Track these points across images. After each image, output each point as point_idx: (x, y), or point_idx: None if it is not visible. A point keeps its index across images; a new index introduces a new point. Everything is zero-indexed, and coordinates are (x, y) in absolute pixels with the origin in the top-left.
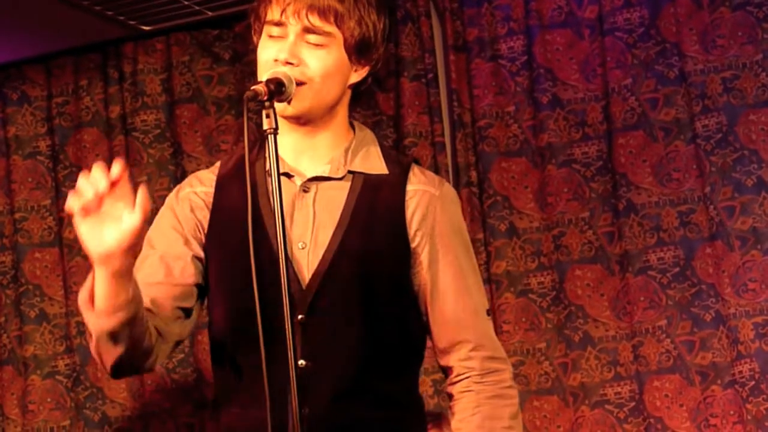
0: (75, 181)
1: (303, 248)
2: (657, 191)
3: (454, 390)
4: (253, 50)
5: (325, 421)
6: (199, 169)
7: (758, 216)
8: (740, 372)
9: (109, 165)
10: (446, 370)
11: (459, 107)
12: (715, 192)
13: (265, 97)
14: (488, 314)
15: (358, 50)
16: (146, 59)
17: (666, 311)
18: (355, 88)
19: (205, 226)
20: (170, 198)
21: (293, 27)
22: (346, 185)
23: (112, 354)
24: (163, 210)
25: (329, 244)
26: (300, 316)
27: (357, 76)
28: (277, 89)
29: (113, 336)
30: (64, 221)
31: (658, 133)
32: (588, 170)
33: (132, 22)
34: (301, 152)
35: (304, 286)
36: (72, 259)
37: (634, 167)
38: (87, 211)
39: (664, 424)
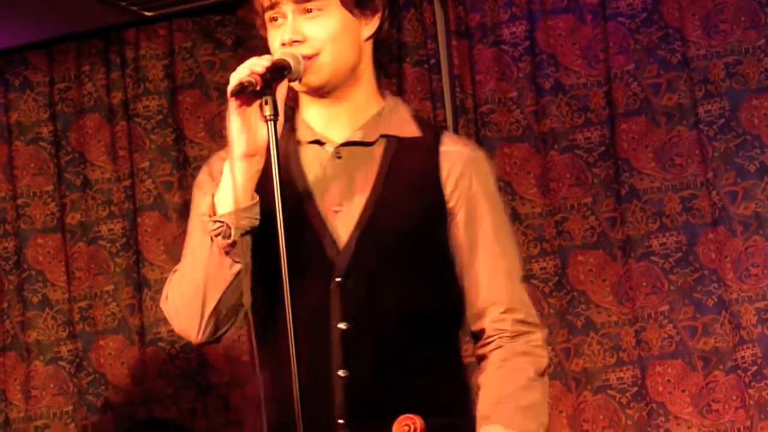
0: (77, 167)
1: (338, 212)
2: (659, 177)
3: (484, 351)
4: (257, 36)
5: (366, 384)
6: (201, 155)
7: (761, 201)
8: (742, 357)
9: (111, 151)
10: (478, 335)
11: (461, 93)
12: (717, 177)
13: (258, 87)
14: (523, 280)
15: (357, 3)
16: (148, 45)
17: (668, 297)
18: (375, 40)
19: None
20: (203, 177)
21: (287, 6)
22: (379, 149)
23: (220, 284)
24: (197, 192)
25: (364, 206)
26: (338, 279)
27: (369, 28)
28: (276, 74)
29: (238, 247)
30: (66, 207)
31: (660, 119)
32: (590, 156)
33: (134, 8)
34: (330, 119)
35: (340, 249)
36: (74, 245)
37: (636, 153)
38: (244, 102)
39: (666, 410)
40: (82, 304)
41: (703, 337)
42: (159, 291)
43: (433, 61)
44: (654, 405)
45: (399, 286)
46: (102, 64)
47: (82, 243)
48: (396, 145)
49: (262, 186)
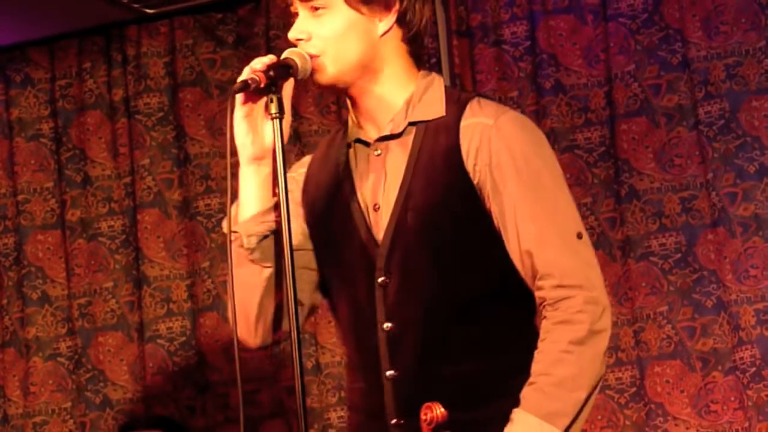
0: (77, 163)
1: (378, 209)
2: (659, 177)
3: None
4: (258, 34)
5: (414, 382)
6: (202, 152)
7: (760, 202)
8: (741, 358)
9: (112, 148)
10: None
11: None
12: (717, 178)
13: (262, 85)
14: (564, 238)
15: (363, 1)
16: (150, 42)
17: (667, 297)
18: (403, 33)
19: (300, 202)
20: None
21: (298, 4)
22: (409, 138)
23: (255, 291)
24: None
25: (395, 201)
26: (380, 279)
27: (384, 24)
28: (281, 72)
29: (262, 253)
30: (66, 203)
31: (660, 119)
32: (590, 156)
33: (136, 5)
34: (364, 116)
35: (379, 247)
36: (74, 242)
37: (636, 153)
38: (248, 101)
39: (664, 410)
40: (82, 300)
41: (702, 337)
42: (158, 288)
43: (434, 60)
44: (652, 405)
45: (438, 277)
46: (103, 61)
47: (82, 240)
48: (423, 131)
49: (317, 187)
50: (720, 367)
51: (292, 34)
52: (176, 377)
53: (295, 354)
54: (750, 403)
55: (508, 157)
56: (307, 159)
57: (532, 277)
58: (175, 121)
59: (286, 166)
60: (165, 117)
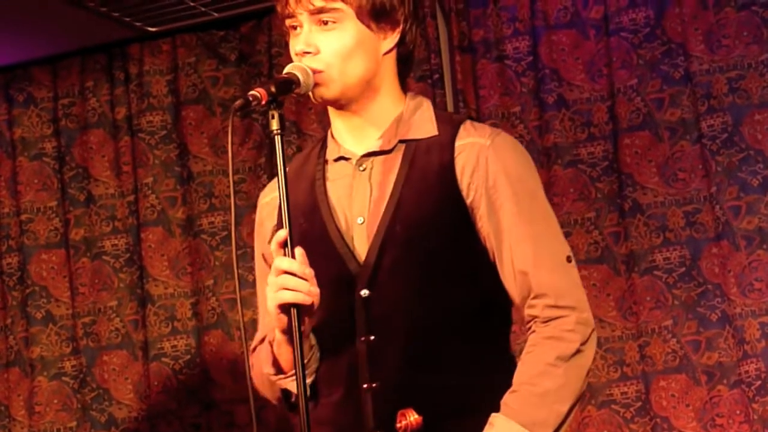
0: (81, 182)
1: (362, 223)
2: (663, 191)
3: (526, 338)
4: (260, 52)
5: (395, 393)
6: (205, 170)
7: (764, 216)
8: (746, 372)
9: (115, 166)
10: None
11: (465, 108)
12: (720, 192)
13: (264, 101)
14: (558, 260)
15: (374, 17)
16: (152, 60)
17: (672, 311)
18: (398, 53)
19: (275, 227)
20: (256, 227)
21: (303, 15)
22: (398, 155)
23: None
24: (255, 239)
25: (383, 215)
26: (363, 292)
27: (388, 42)
28: (283, 88)
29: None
30: (70, 222)
31: (663, 133)
32: (594, 170)
33: (138, 24)
34: (352, 132)
35: (362, 262)
36: (78, 260)
37: (639, 167)
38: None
39: (670, 424)
40: (86, 319)
41: (707, 351)
42: (162, 306)
43: (436, 76)
44: (658, 420)
45: (423, 293)
46: (106, 79)
47: (86, 258)
48: (414, 149)
49: (294, 208)
50: (725, 381)
51: (299, 47)
52: (181, 395)
53: (297, 354)
54: (756, 417)
55: (505, 178)
56: (274, 181)
57: (524, 296)
58: (178, 139)
59: (288, 185)
60: (168, 135)
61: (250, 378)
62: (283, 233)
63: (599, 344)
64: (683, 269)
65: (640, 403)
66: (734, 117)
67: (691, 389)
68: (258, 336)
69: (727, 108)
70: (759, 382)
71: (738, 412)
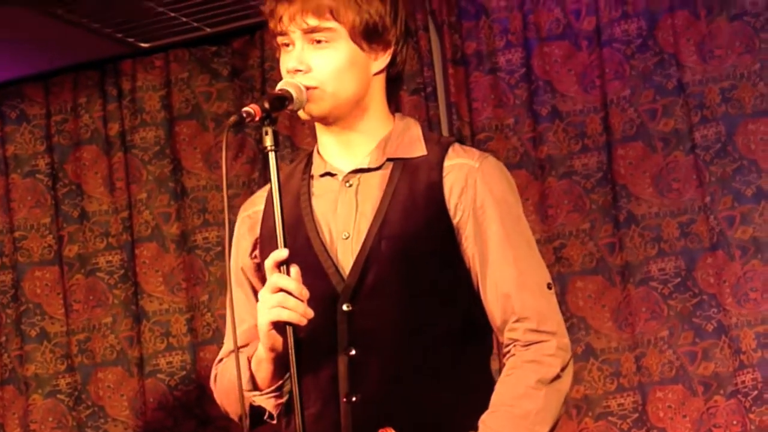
0: (74, 199)
1: (347, 239)
2: (657, 202)
3: (504, 361)
4: (253, 67)
5: (376, 406)
6: (199, 185)
7: (758, 225)
8: (743, 382)
9: (109, 182)
10: (502, 346)
11: (458, 120)
12: (715, 202)
13: (258, 117)
14: (540, 285)
15: (366, 38)
16: (145, 76)
17: (668, 322)
18: (388, 73)
19: (257, 241)
20: (234, 240)
21: (295, 33)
22: (386, 173)
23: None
24: (232, 252)
25: (368, 231)
26: (345, 306)
27: (380, 63)
28: (277, 104)
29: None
30: (64, 239)
31: (657, 144)
32: (588, 182)
33: (130, 39)
34: (340, 149)
35: (345, 276)
36: (72, 277)
37: (633, 178)
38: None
39: None
40: (81, 336)
41: (704, 362)
42: (157, 322)
43: (429, 89)
44: (655, 431)
45: (406, 309)
46: (98, 95)
47: (80, 275)
48: (402, 167)
49: (273, 224)
50: (722, 391)
51: (291, 65)
52: (177, 411)
53: (293, 371)
54: (753, 427)
55: (492, 202)
56: (260, 195)
57: (505, 318)
58: (172, 154)
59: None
60: (161, 151)
61: (241, 394)
62: (283, 253)
63: (596, 355)
64: (678, 280)
65: (636, 415)
66: (727, 127)
67: (687, 400)
68: (227, 347)
69: (721, 118)
70: (755, 392)
71: (735, 422)
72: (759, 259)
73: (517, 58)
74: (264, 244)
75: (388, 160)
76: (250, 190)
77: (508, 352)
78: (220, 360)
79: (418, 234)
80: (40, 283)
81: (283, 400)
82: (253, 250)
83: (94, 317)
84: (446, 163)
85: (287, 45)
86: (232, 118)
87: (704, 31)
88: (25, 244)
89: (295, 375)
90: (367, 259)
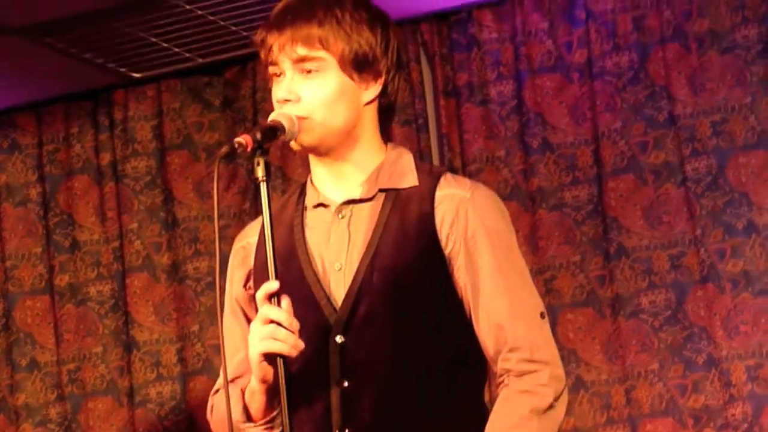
0: (65, 228)
1: (339, 270)
2: (648, 234)
3: (497, 392)
4: (245, 97)
5: None
6: (190, 216)
7: (749, 259)
8: (733, 415)
9: (100, 212)
10: (496, 376)
11: (449, 152)
12: (705, 235)
13: (249, 148)
14: (533, 315)
15: (356, 67)
16: (137, 106)
17: (658, 354)
18: (379, 104)
19: (251, 272)
20: (228, 269)
21: (285, 63)
22: (378, 204)
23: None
24: (227, 279)
25: (360, 262)
26: (338, 338)
27: (370, 93)
28: (269, 135)
29: None
30: (55, 268)
31: (648, 177)
32: (579, 214)
33: (122, 69)
34: (332, 179)
35: (338, 307)
36: (63, 307)
37: (624, 210)
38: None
39: None
40: (71, 366)
41: (694, 394)
42: (148, 352)
43: (421, 120)
44: None
45: (398, 341)
46: (90, 125)
47: (71, 305)
48: (394, 198)
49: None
50: (712, 424)
51: (281, 94)
52: None
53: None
54: None
55: (484, 232)
56: (254, 226)
57: (498, 348)
58: (163, 184)
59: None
60: (153, 180)
61: (230, 427)
62: (274, 285)
63: (586, 387)
64: (669, 312)
65: None
66: (718, 160)
67: None
68: (222, 378)
69: (712, 151)
70: (746, 425)
71: None
72: (749, 292)
73: (508, 89)
74: (257, 275)
75: (380, 190)
76: (241, 221)
77: (502, 382)
78: (217, 391)
79: (410, 265)
80: (31, 313)
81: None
82: (247, 281)
83: (84, 347)
84: (438, 194)
85: (278, 75)
86: (224, 149)
87: (695, 63)
88: (16, 273)
89: (286, 407)
90: (359, 290)
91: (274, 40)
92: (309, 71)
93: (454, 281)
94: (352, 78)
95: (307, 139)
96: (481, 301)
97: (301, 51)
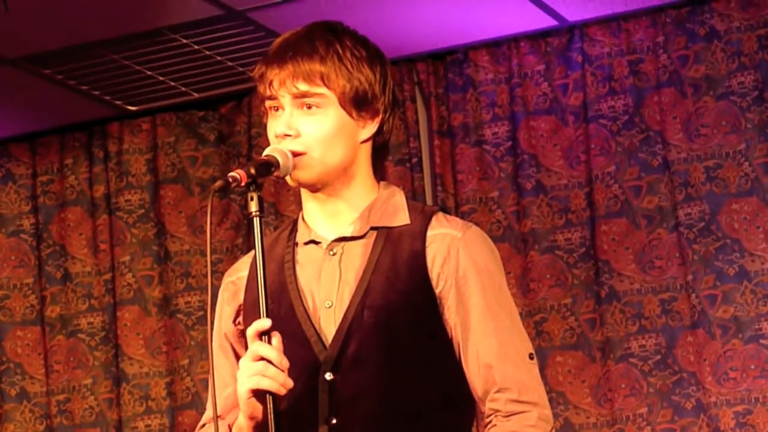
0: (58, 259)
1: (330, 307)
2: (639, 278)
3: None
4: (240, 132)
5: None
6: (182, 250)
7: (740, 305)
8: None
9: (92, 244)
10: (483, 416)
11: (443, 192)
12: (697, 280)
13: (243, 183)
14: (522, 356)
15: (356, 105)
16: (132, 139)
17: (647, 399)
18: (374, 142)
19: (240, 308)
20: (219, 295)
21: (285, 98)
22: (369, 242)
23: None
24: (217, 314)
25: (351, 300)
26: (327, 375)
27: (367, 131)
28: (263, 170)
29: None
30: (46, 299)
31: (640, 221)
32: (571, 257)
33: (118, 102)
34: (325, 216)
35: (328, 345)
36: (53, 338)
37: (616, 254)
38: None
39: None
40: (60, 397)
41: None
42: (137, 385)
43: (415, 159)
44: None
45: (388, 379)
46: (85, 157)
47: (62, 336)
48: (385, 236)
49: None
50: None
51: (280, 129)
52: None
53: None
54: None
55: (474, 271)
56: (245, 261)
57: (486, 389)
58: (156, 218)
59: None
60: (146, 214)
61: None
62: (265, 323)
63: (574, 431)
64: (659, 357)
65: None
66: (711, 206)
67: None
68: (209, 413)
69: (705, 197)
70: None
71: None
72: (740, 339)
73: (503, 131)
74: (247, 311)
75: (372, 228)
76: (233, 256)
77: (490, 422)
78: (203, 426)
79: (401, 304)
80: (22, 343)
81: None
82: (237, 316)
83: (74, 378)
84: (429, 233)
85: (276, 109)
86: (218, 183)
87: (691, 109)
88: (7, 303)
89: None
90: (349, 328)
91: (275, 75)
92: (309, 107)
93: (444, 320)
94: (351, 115)
95: (305, 175)
96: (471, 341)
97: (302, 86)
